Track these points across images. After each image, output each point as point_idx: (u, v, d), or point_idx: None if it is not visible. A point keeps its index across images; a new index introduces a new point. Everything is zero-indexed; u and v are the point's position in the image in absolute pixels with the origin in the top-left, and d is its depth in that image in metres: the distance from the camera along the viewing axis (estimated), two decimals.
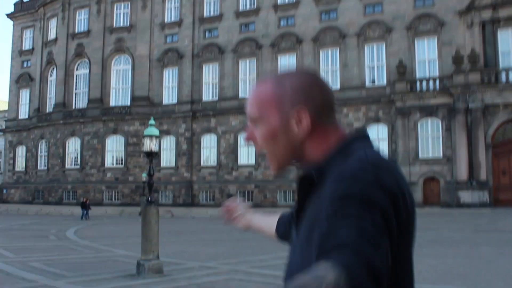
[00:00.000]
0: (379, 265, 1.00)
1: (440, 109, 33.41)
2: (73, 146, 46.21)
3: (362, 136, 1.34)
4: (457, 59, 32.95)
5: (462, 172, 31.88)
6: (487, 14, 33.89)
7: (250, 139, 1.36)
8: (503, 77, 32.00)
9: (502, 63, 33.66)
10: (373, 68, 37.63)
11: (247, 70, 41.53)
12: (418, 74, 35.65)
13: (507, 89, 31.49)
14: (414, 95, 34.03)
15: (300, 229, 1.29)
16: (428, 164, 33.60)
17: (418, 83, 34.50)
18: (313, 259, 1.08)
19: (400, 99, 34.31)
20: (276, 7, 40.71)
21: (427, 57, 36.01)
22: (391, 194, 1.12)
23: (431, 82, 34.19)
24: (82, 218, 32.13)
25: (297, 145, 1.29)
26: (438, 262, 11.11)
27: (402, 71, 34.82)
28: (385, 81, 36.72)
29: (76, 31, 47.86)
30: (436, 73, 35.17)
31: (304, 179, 1.27)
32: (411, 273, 1.26)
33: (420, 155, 33.84)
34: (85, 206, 32.77)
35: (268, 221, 1.92)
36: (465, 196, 31.45)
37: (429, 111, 33.73)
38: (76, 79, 47.78)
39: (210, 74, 42.95)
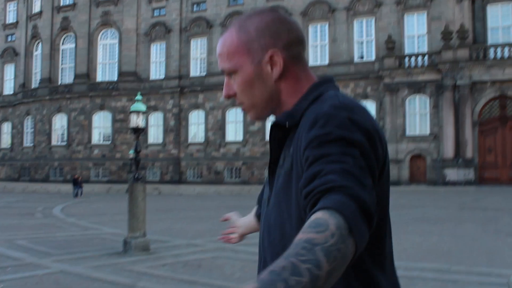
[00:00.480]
0: (370, 204, 0.99)
1: (428, 85, 33.44)
2: (59, 122, 45.76)
3: (329, 81, 1.32)
4: (446, 35, 32.87)
5: (449, 150, 32.09)
6: None
7: (229, 94, 1.33)
8: (491, 53, 31.99)
9: (491, 39, 33.62)
10: (362, 43, 37.46)
11: None
12: (407, 50, 35.57)
13: (495, 66, 31.53)
14: (402, 71, 33.99)
15: (275, 180, 1.27)
16: (415, 142, 33.76)
17: (406, 59, 34.43)
18: (293, 207, 1.15)
19: (389, 75, 34.27)
20: None
21: (416, 33, 35.88)
22: (367, 133, 1.11)
23: (419, 58, 34.13)
24: (75, 195, 31.36)
25: (273, 90, 1.28)
26: (423, 239, 11.21)
27: (391, 46, 34.70)
28: (374, 57, 36.60)
29: (62, 4, 46.93)
30: (425, 48, 35.09)
31: (276, 127, 1.26)
32: (389, 216, 1.29)
33: (407, 132, 33.96)
34: (77, 183, 32.05)
35: (251, 216, 1.87)
36: (451, 174, 31.71)
37: (417, 88, 33.75)
38: (62, 53, 47.04)
39: (198, 48, 42.53)
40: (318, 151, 1.07)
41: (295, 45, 1.28)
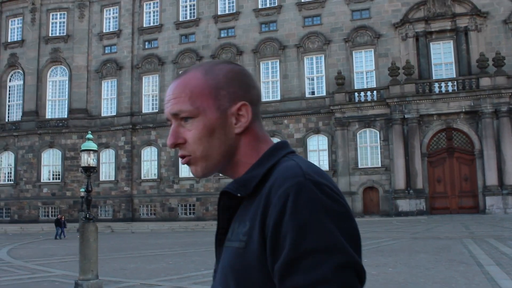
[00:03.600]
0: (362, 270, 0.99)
1: (378, 119, 34.33)
2: (6, 161, 44.27)
3: (286, 146, 1.23)
4: (393, 70, 34.03)
5: (400, 181, 32.82)
6: (420, 27, 35.23)
7: (176, 143, 1.19)
8: (436, 88, 33.27)
9: (435, 74, 35.06)
10: (312, 79, 38.26)
11: None
12: (357, 85, 36.57)
13: (440, 100, 32.75)
14: (352, 106, 34.81)
15: (223, 253, 1.16)
16: (367, 174, 34.41)
17: (356, 94, 35.34)
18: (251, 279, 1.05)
19: (339, 110, 35.01)
20: (216, 18, 40.75)
21: (365, 68, 37.00)
22: (340, 197, 1.06)
23: (368, 93, 35.10)
24: (56, 237, 29.03)
25: (232, 144, 1.17)
26: (379, 271, 11.30)
27: (341, 82, 35.58)
28: (324, 92, 37.39)
29: (9, 40, 46.06)
30: (374, 84, 36.18)
31: (226, 195, 1.16)
32: None
33: (359, 165, 34.60)
34: (60, 224, 29.76)
35: None
36: (403, 204, 32.38)
37: (367, 122, 34.59)
38: (9, 90, 45.89)
39: (150, 85, 42.39)
40: (293, 253, 0.96)
41: (257, 103, 1.21)
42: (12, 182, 43.40)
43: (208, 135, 1.15)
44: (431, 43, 35.49)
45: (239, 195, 1.12)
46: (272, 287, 1.01)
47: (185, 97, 1.16)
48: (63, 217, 32.53)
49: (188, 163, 1.20)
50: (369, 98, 34.92)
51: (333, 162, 35.64)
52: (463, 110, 32.43)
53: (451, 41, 35.08)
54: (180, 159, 1.23)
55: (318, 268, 0.92)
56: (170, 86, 1.21)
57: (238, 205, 1.15)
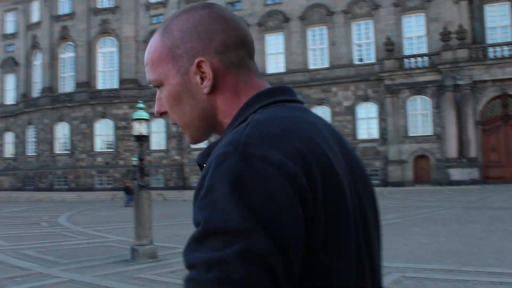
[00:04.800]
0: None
1: (429, 86, 33.46)
2: (61, 131, 45.82)
3: (272, 93, 1.01)
4: (445, 35, 32.91)
5: (452, 149, 32.08)
6: None
7: (160, 111, 1.09)
8: (490, 53, 32.02)
9: (489, 38, 33.68)
10: (361, 45, 37.50)
11: None
12: (407, 51, 35.61)
13: (495, 65, 31.54)
14: (402, 72, 34.02)
15: None
16: (418, 142, 33.76)
17: (406, 61, 34.47)
18: None
19: (389, 77, 34.30)
20: None
21: (415, 34, 35.92)
22: (281, 175, 0.81)
23: (419, 59, 34.17)
24: (126, 205, 28.63)
25: (206, 106, 1.01)
26: (431, 240, 11.20)
27: (390, 48, 34.74)
28: (373, 59, 36.64)
29: (60, 13, 47.09)
30: (424, 49, 35.14)
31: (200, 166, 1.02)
32: (354, 265, 0.91)
33: (409, 133, 33.97)
34: (130, 192, 29.20)
35: None
36: (455, 173, 31.70)
37: (418, 89, 33.77)
38: (62, 62, 47.15)
39: None
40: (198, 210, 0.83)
41: (233, 49, 1.01)
42: (68, 152, 44.97)
43: (176, 103, 1.03)
44: (485, 6, 33.98)
45: (204, 165, 0.93)
46: None
47: (150, 65, 1.05)
48: (132, 185, 33.03)
49: (180, 131, 1.10)
50: (419, 65, 34.00)
51: (382, 130, 35.11)
52: None
53: (508, 3, 33.47)
54: None
55: (218, 252, 0.77)
56: None
57: None
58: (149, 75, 1.05)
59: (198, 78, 1.00)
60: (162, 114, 1.09)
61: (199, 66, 0.99)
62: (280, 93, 1.01)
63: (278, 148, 0.84)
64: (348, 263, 0.89)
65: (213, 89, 1.00)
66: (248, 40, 1.05)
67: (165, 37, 1.02)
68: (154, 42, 1.05)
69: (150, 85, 1.07)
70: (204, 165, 0.93)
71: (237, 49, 1.02)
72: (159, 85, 1.05)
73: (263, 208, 0.79)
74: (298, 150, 0.85)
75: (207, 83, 0.99)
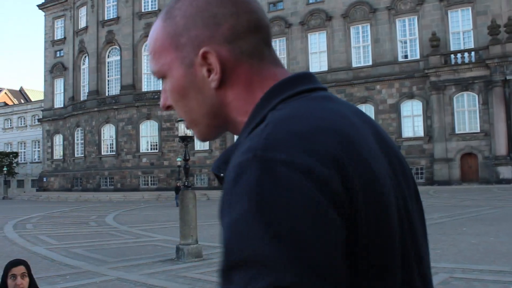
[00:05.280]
0: None
1: (476, 82, 32.57)
2: (108, 132, 46.95)
3: (292, 84, 0.85)
4: (493, 29, 31.95)
5: (501, 147, 31.12)
6: None
7: (165, 104, 0.93)
8: None
9: None
10: (405, 42, 36.85)
11: (277, 49, 41.20)
12: (453, 47, 34.76)
13: None
14: (448, 68, 33.23)
15: None
16: (465, 140, 32.89)
17: (452, 56, 33.65)
18: None
19: (435, 73, 33.57)
20: None
21: (461, 28, 35.02)
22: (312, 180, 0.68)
23: (466, 55, 33.30)
24: (178, 205, 28.25)
25: (215, 102, 0.87)
26: (480, 240, 10.89)
27: (436, 44, 34.00)
28: (418, 55, 35.95)
29: (106, 18, 48.25)
30: (471, 44, 34.21)
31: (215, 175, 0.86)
32: (399, 275, 0.77)
33: (456, 130, 33.15)
34: (179, 191, 29.52)
35: None
36: (505, 171, 30.74)
37: (464, 85, 32.92)
38: (108, 66, 48.32)
39: None
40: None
41: (244, 36, 0.86)
42: (114, 153, 46.02)
43: (181, 98, 0.89)
44: None
45: (221, 175, 0.81)
46: None
47: (152, 55, 0.91)
48: (182, 185, 33.32)
49: (187, 128, 0.95)
50: (466, 60, 33.13)
51: (428, 128, 34.39)
52: None
53: None
54: None
55: (247, 286, 0.64)
56: None
57: None
58: (152, 66, 0.91)
59: (204, 71, 0.85)
60: (168, 108, 0.94)
61: (204, 57, 0.84)
62: (300, 82, 0.85)
63: (305, 150, 0.70)
64: (394, 275, 0.76)
65: (223, 83, 0.85)
66: (263, 24, 0.90)
67: (167, 24, 0.89)
68: (155, 29, 0.91)
69: (154, 76, 0.93)
70: (221, 175, 0.80)
71: (250, 36, 0.87)
72: (162, 77, 0.91)
73: (291, 230, 0.64)
74: (330, 151, 0.71)
75: (215, 76, 0.85)
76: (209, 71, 0.85)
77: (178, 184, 32.16)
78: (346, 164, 0.71)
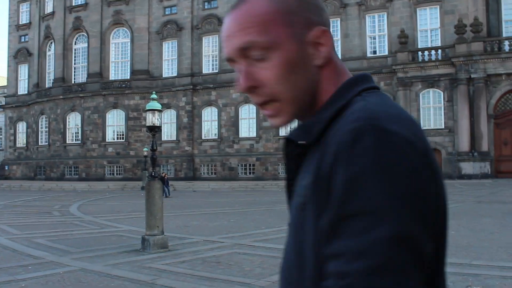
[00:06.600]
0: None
1: (442, 79, 33.20)
2: (73, 121, 46.12)
3: (366, 79, 1.00)
4: (460, 28, 32.58)
5: (464, 143, 31.85)
6: None
7: (251, 85, 0.96)
8: (506, 46, 31.66)
9: (505, 32, 33.29)
10: (374, 38, 37.27)
11: None
12: (420, 44, 35.34)
13: (510, 59, 31.18)
14: (416, 65, 33.77)
15: (291, 206, 1.00)
16: (429, 136, 33.51)
17: (420, 53, 34.20)
18: (306, 253, 0.87)
19: (402, 69, 34.06)
20: None
21: (429, 26, 35.61)
22: (416, 150, 0.82)
23: (433, 52, 33.88)
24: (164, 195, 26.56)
25: (315, 80, 0.97)
26: None
27: (404, 41, 34.49)
28: (386, 51, 36.42)
29: (74, 3, 47.24)
30: (438, 42, 34.84)
31: (291, 142, 0.98)
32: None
33: (422, 126, 33.64)
34: (165, 182, 28.28)
35: None
36: (467, 167, 31.49)
37: (431, 82, 33.52)
38: (74, 53, 47.37)
39: (210, 46, 42.59)
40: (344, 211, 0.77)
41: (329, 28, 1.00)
42: (79, 142, 45.27)
43: (289, 72, 0.94)
44: None
45: (301, 142, 0.95)
46: None
47: (254, 27, 0.93)
48: (166, 174, 33.00)
49: (270, 111, 0.98)
50: (433, 57, 33.73)
51: None
52: None
53: None
54: (261, 110, 1.00)
55: (363, 236, 0.73)
56: (226, 19, 0.99)
57: (305, 153, 0.96)
58: (255, 37, 0.93)
59: (311, 49, 0.96)
60: (250, 89, 0.96)
61: (318, 36, 0.96)
62: (369, 80, 1.00)
63: (406, 128, 0.83)
64: (444, 263, 0.93)
65: (323, 63, 0.97)
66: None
67: (276, 2, 0.94)
68: (258, 3, 0.95)
69: (244, 47, 0.94)
70: (299, 142, 0.95)
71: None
72: (266, 49, 0.93)
73: (405, 188, 0.76)
74: (419, 134, 0.85)
75: (325, 53, 0.96)
76: (316, 50, 0.96)
77: (163, 174, 31.86)
78: (429, 149, 0.86)
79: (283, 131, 38.69)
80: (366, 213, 0.74)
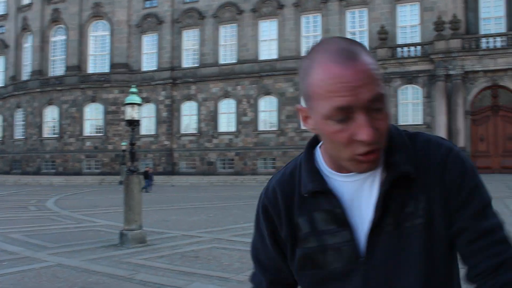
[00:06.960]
0: None
1: (421, 75, 33.51)
2: (50, 114, 45.43)
3: None
4: (439, 25, 32.89)
5: None
6: None
7: (377, 135, 1.06)
8: (483, 43, 32.06)
9: (483, 29, 33.72)
10: (354, 33, 37.39)
11: (227, 36, 40.99)
12: (400, 40, 35.58)
13: (487, 56, 31.60)
14: (395, 61, 34.01)
15: (384, 240, 1.14)
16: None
17: (399, 50, 34.44)
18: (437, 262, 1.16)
19: (381, 65, 34.25)
20: None
21: (409, 23, 35.88)
22: None
23: (412, 49, 34.16)
24: (144, 189, 24.63)
25: None
26: None
27: (384, 37, 34.69)
28: (367, 47, 36.32)
29: None
30: (417, 39, 35.13)
31: (396, 180, 1.15)
32: None
33: (400, 122, 34.04)
34: (148, 176, 28.80)
35: None
36: None
37: (409, 78, 33.81)
38: (52, 45, 46.63)
39: (190, 40, 42.30)
40: (479, 201, 1.16)
41: None
42: (57, 136, 44.64)
43: (389, 121, 1.13)
44: None
45: (411, 175, 1.17)
46: (452, 251, 1.18)
47: (380, 80, 1.07)
48: (150, 169, 32.57)
49: (374, 158, 1.10)
50: (412, 54, 34.01)
51: None
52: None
53: None
54: (360, 158, 1.09)
55: (495, 215, 1.16)
56: (346, 67, 1.03)
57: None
58: (381, 89, 1.06)
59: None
60: (376, 142, 1.08)
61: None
62: None
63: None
64: None
65: None
66: None
67: (372, 60, 1.08)
68: (371, 60, 1.07)
69: (374, 98, 1.05)
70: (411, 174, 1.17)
71: None
72: (380, 99, 1.06)
73: (484, 185, 1.19)
74: None
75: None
76: None
77: (146, 168, 31.67)
78: None
79: (263, 127, 38.68)
80: (490, 203, 1.17)
